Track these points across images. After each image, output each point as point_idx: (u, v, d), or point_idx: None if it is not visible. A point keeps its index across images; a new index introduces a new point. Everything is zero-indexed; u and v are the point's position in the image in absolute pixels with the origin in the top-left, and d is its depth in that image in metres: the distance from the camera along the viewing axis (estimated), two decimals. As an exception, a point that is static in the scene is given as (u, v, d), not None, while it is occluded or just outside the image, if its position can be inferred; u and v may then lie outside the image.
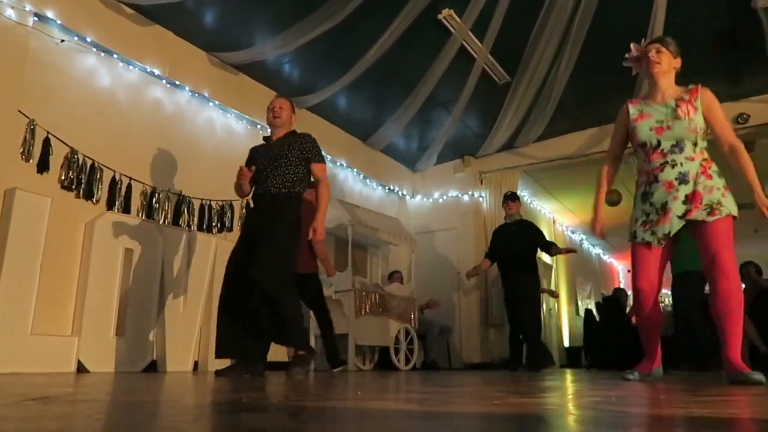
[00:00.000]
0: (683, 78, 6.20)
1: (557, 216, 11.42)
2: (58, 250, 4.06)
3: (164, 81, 5.17)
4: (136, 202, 4.69)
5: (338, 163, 7.30)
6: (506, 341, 6.48)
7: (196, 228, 5.16)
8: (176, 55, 5.31)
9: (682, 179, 2.90)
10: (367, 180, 7.86)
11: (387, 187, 8.28)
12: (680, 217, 2.88)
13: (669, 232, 2.91)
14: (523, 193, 9.45)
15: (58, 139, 4.19)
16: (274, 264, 3.38)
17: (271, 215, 3.50)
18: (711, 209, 2.86)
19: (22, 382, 2.47)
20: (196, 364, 4.84)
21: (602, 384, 2.89)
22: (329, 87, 6.07)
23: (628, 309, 9.85)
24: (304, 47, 5.28)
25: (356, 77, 5.77)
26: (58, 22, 4.36)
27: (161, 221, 4.82)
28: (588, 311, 9.10)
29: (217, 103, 5.65)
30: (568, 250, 6.71)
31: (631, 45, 3.27)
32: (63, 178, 4.20)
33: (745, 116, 6.41)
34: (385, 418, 1.17)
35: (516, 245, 5.90)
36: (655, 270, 3.01)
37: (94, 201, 4.38)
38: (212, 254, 5.06)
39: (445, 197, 8.59)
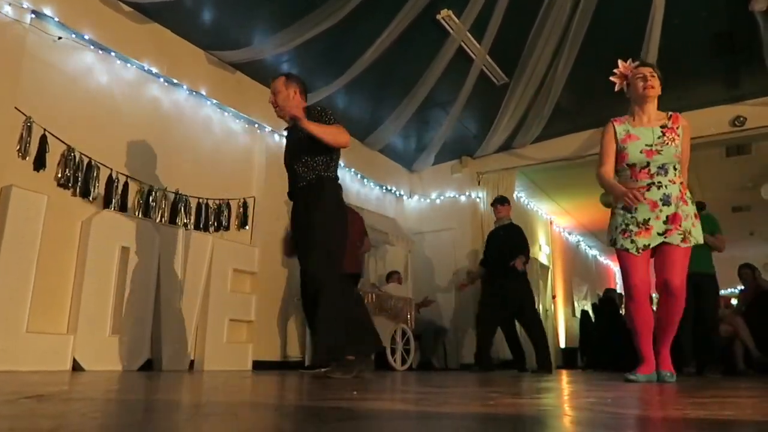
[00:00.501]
0: (680, 80, 6.25)
1: (554, 217, 11.43)
2: (54, 248, 4.05)
3: (162, 79, 5.16)
4: (132, 200, 4.68)
5: (336, 163, 7.29)
6: (500, 342, 6.49)
7: (192, 227, 5.15)
8: (174, 53, 5.30)
9: (666, 201, 3.15)
10: (365, 180, 7.86)
11: (384, 187, 8.28)
12: (660, 234, 3.14)
13: (648, 245, 3.17)
14: (520, 194, 9.46)
15: (54, 136, 4.18)
16: (313, 259, 3.10)
17: (305, 207, 3.25)
18: (684, 236, 3.13)
19: (17, 380, 2.46)
20: (192, 362, 4.84)
21: (598, 385, 2.89)
22: (327, 87, 6.06)
23: (622, 310, 9.88)
24: (302, 46, 5.27)
25: (354, 77, 5.77)
26: (56, 19, 4.34)
27: (158, 220, 4.81)
28: (584, 312, 9.13)
29: (214, 101, 5.64)
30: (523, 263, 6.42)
31: (619, 62, 3.38)
32: (59, 175, 4.19)
33: (741, 119, 6.43)
34: (381, 418, 1.17)
35: (505, 250, 5.87)
36: (644, 270, 3.21)
37: (91, 199, 4.37)
38: (209, 253, 5.05)
39: (442, 198, 8.59)
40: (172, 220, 4.97)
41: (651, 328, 3.25)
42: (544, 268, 10.61)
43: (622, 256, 3.24)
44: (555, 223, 11.65)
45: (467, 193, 8.34)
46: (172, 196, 5.02)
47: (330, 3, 4.77)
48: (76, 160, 4.28)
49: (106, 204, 4.47)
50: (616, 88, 3.42)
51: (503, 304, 5.79)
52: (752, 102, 6.40)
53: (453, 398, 1.72)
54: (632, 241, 3.17)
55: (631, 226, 3.19)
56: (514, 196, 8.50)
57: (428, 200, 8.71)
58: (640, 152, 3.20)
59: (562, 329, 11.20)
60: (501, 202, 6.21)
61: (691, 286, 5.22)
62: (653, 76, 3.25)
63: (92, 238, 4.22)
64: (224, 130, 5.79)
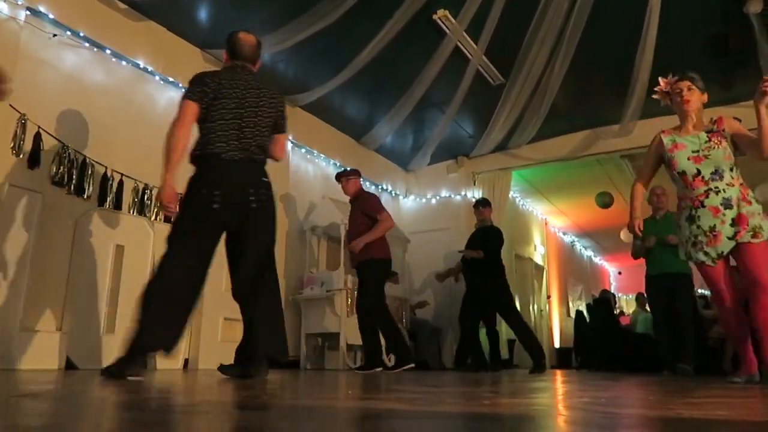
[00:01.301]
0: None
1: (549, 217, 11.47)
2: (48, 246, 4.03)
3: (157, 77, 5.14)
4: (127, 198, 4.66)
5: (331, 162, 7.29)
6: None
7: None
8: (170, 51, 5.28)
9: (727, 204, 3.15)
10: (361, 179, 7.84)
11: (380, 187, 8.28)
12: (730, 239, 3.12)
13: (722, 252, 3.15)
14: (516, 195, 9.48)
15: (49, 134, 4.16)
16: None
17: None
18: (754, 232, 3.10)
19: (9, 378, 2.45)
20: (186, 361, 4.82)
21: (592, 385, 2.90)
22: (323, 86, 6.05)
23: (617, 311, 9.91)
24: (298, 45, 5.26)
25: (350, 76, 5.76)
26: (51, 16, 4.32)
27: (153, 218, 4.79)
28: (579, 313, 9.15)
29: (210, 100, 5.62)
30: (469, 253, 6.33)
31: (660, 79, 3.47)
32: (54, 173, 4.16)
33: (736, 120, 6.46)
34: (376, 417, 1.17)
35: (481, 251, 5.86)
36: (727, 276, 3.21)
37: (85, 197, 4.35)
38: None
39: (438, 197, 8.60)
40: (167, 219, 4.95)
41: (748, 331, 3.27)
42: (539, 269, 10.64)
43: (701, 269, 3.26)
44: (550, 224, 11.68)
45: (463, 193, 8.35)
46: (167, 195, 5.00)
47: (326, 2, 4.77)
48: (71, 157, 4.26)
49: (101, 202, 4.45)
50: (662, 104, 3.50)
51: (481, 304, 5.83)
52: (747, 104, 6.37)
53: (448, 398, 1.72)
54: (705, 253, 3.18)
55: (700, 237, 3.19)
56: (510, 196, 8.53)
57: (424, 200, 8.72)
58: (688, 159, 3.24)
59: (556, 329, 11.23)
60: (483, 204, 6.23)
61: (666, 287, 5.31)
62: (690, 90, 3.31)
63: (86, 236, 4.20)
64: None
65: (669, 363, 5.33)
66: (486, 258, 5.73)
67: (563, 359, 10.39)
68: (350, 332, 5.73)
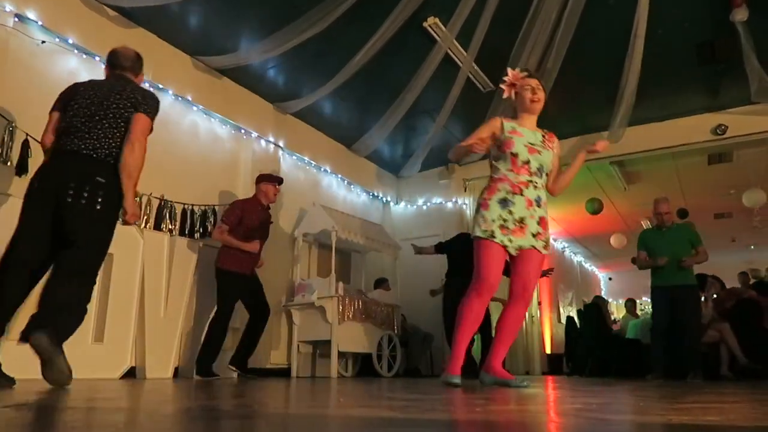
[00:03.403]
0: (663, 89, 6.34)
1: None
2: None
3: (147, 84, 5.11)
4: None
5: (322, 169, 7.29)
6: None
7: (177, 233, 5.11)
8: (160, 58, 5.27)
9: (538, 202, 3.21)
10: (351, 186, 7.86)
11: (371, 194, 8.29)
12: (533, 236, 3.16)
13: (521, 246, 3.15)
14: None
15: (37, 141, 4.11)
16: None
17: None
18: (546, 243, 3.22)
19: (-4, 388, 2.42)
20: (176, 370, 4.78)
21: (583, 391, 2.91)
22: (314, 93, 6.06)
23: (612, 316, 9.94)
24: (289, 52, 5.27)
25: (341, 83, 5.77)
26: (39, 23, 4.30)
27: (142, 225, 4.76)
28: (569, 319, 9.17)
29: (200, 107, 5.62)
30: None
31: (509, 70, 3.42)
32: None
33: (723, 127, 6.53)
34: (367, 425, 1.16)
35: (466, 251, 5.88)
36: (500, 270, 3.18)
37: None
38: (194, 260, 5.01)
39: (429, 204, 8.61)
40: (157, 226, 4.92)
41: (474, 332, 3.32)
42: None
43: (494, 249, 3.10)
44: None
45: (454, 200, 8.37)
46: (156, 202, 4.98)
47: (316, 10, 4.78)
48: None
49: (90, 209, 4.40)
50: (504, 96, 3.44)
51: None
52: (734, 111, 6.50)
53: (439, 405, 1.72)
54: (510, 240, 3.11)
55: (509, 224, 3.12)
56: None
57: (415, 207, 8.73)
58: (524, 146, 3.23)
59: (547, 335, 11.25)
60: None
61: (672, 298, 5.35)
62: (539, 89, 3.32)
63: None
64: (210, 136, 5.76)
65: (657, 369, 5.36)
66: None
67: (554, 365, 10.41)
68: (342, 339, 5.71)
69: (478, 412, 1.48)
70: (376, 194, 8.39)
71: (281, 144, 6.54)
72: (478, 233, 3.16)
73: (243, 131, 6.08)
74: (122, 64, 3.13)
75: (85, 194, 2.73)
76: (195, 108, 5.58)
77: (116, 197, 2.85)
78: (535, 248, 3.16)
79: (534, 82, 3.33)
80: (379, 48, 5.26)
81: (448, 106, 6.31)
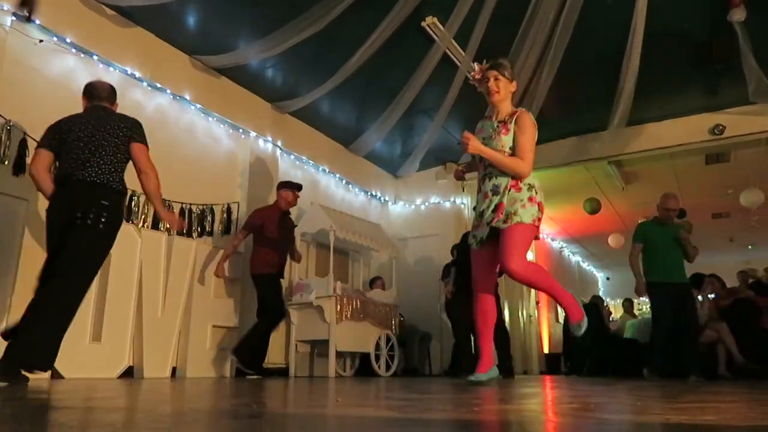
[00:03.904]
0: (661, 89, 6.35)
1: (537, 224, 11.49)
2: (34, 253, 3.97)
3: (145, 83, 5.11)
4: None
5: (320, 168, 7.29)
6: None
7: (175, 232, 5.10)
8: (158, 57, 5.26)
9: (495, 191, 3.22)
10: (350, 185, 7.86)
11: (369, 193, 8.28)
12: (488, 224, 3.21)
13: (483, 237, 3.24)
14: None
15: (34, 140, 4.11)
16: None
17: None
18: (507, 217, 3.16)
19: (-7, 388, 2.41)
20: (174, 369, 4.78)
21: (581, 390, 2.91)
22: (312, 92, 6.06)
23: (610, 315, 9.95)
24: (287, 52, 5.26)
25: (339, 83, 5.77)
26: (37, 22, 4.29)
27: (140, 224, 4.75)
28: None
29: (198, 106, 5.61)
30: None
31: (475, 65, 3.51)
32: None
33: (720, 127, 6.54)
34: (365, 425, 1.16)
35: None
36: (484, 264, 3.32)
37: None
38: (192, 259, 5.01)
39: (427, 204, 8.61)
40: (155, 225, 4.92)
41: (490, 326, 3.40)
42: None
43: (471, 252, 3.37)
44: (538, 229, 11.70)
45: (452, 200, 8.37)
46: (154, 201, 4.97)
47: (314, 9, 4.77)
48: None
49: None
50: (478, 90, 3.52)
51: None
52: (731, 111, 6.52)
53: (437, 405, 1.72)
54: (474, 236, 3.30)
55: (475, 221, 3.31)
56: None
57: (413, 206, 8.73)
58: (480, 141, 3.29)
59: (545, 335, 11.26)
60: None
61: (671, 296, 5.34)
62: (497, 80, 3.34)
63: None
64: (208, 135, 5.76)
65: (658, 367, 5.35)
66: None
67: (552, 365, 10.42)
68: (340, 339, 5.71)
69: (475, 411, 1.49)
70: (374, 194, 8.39)
71: (279, 143, 6.53)
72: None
73: (241, 130, 6.08)
74: (100, 95, 3.45)
75: (91, 215, 3.05)
76: (193, 107, 5.57)
77: (118, 216, 3.24)
78: (496, 228, 3.18)
79: (492, 73, 3.36)
80: (378, 47, 5.25)
81: (446, 105, 6.31)
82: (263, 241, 5.19)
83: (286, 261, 5.40)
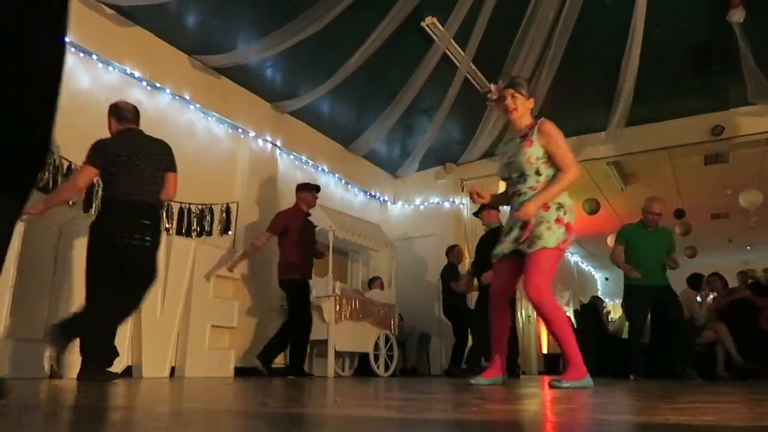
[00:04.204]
0: (660, 90, 6.35)
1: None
2: (32, 253, 3.98)
3: (144, 83, 5.11)
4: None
5: (319, 168, 7.28)
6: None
7: (174, 232, 5.10)
8: (157, 57, 5.25)
9: (517, 209, 3.23)
10: (349, 185, 7.85)
11: (368, 193, 8.28)
12: (514, 241, 3.24)
13: (500, 252, 3.30)
14: (504, 201, 9.51)
15: (34, 139, 4.11)
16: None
17: None
18: (531, 242, 3.15)
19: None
20: (173, 369, 4.78)
21: (580, 391, 2.91)
22: (312, 92, 6.06)
23: (609, 316, 9.94)
24: (287, 52, 5.26)
25: (339, 83, 5.77)
26: (36, 21, 4.28)
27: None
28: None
29: (198, 106, 5.60)
30: None
31: (492, 86, 3.50)
32: (39, 179, 4.12)
33: (719, 128, 6.54)
34: (364, 425, 1.16)
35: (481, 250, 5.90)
36: (503, 276, 3.37)
37: (71, 203, 4.30)
38: (191, 258, 5.00)
39: (426, 204, 8.61)
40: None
41: (503, 333, 3.45)
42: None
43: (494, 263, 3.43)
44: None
45: (451, 200, 8.37)
46: (153, 201, 4.96)
47: (314, 9, 4.77)
48: (56, 163, 4.22)
49: (86, 208, 4.40)
50: (497, 110, 3.65)
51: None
52: (730, 111, 6.52)
53: (436, 405, 1.72)
54: (498, 250, 3.34)
55: (502, 236, 3.36)
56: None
57: (412, 206, 8.73)
58: (504, 166, 3.37)
59: (544, 335, 11.26)
60: (485, 207, 6.23)
61: (653, 298, 5.36)
62: (513, 98, 3.36)
63: (72, 243, 4.15)
64: (207, 135, 5.75)
65: (639, 370, 5.38)
66: None
67: (551, 365, 10.42)
68: (339, 339, 5.71)
69: (474, 411, 1.48)
70: (373, 194, 8.39)
71: (279, 143, 6.53)
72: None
73: (240, 130, 6.07)
74: (129, 117, 3.71)
75: (147, 238, 3.47)
76: (192, 107, 5.57)
77: (161, 231, 3.70)
78: (519, 251, 3.22)
79: (509, 91, 3.38)
80: (377, 47, 5.26)
81: (446, 105, 6.31)
82: (288, 244, 5.26)
83: (312, 263, 5.47)
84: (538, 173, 3.21)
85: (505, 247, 3.29)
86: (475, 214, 6.25)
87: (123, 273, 3.42)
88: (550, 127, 3.26)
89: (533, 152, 3.21)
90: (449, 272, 6.76)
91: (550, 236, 3.12)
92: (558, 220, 3.14)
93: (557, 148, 3.21)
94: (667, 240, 5.60)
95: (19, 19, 0.87)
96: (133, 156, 3.51)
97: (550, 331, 3.21)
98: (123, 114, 3.70)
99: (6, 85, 0.87)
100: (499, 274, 3.38)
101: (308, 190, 5.56)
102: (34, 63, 0.90)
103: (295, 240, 5.28)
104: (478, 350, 5.67)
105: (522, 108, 3.36)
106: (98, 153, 3.48)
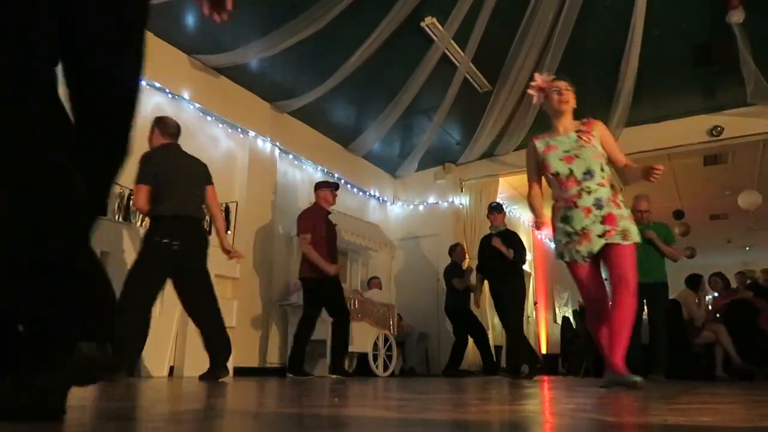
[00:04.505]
0: (659, 90, 6.35)
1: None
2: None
3: (143, 82, 5.10)
4: (112, 204, 4.61)
5: (319, 168, 7.28)
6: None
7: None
8: (156, 56, 5.24)
9: (598, 204, 3.17)
10: (348, 185, 7.85)
11: (368, 193, 8.28)
12: (600, 236, 3.14)
13: (592, 251, 3.16)
14: (503, 201, 9.52)
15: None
16: None
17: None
18: (624, 234, 3.13)
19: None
20: (171, 369, 4.77)
21: (579, 391, 2.91)
22: (311, 92, 6.05)
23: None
24: (286, 51, 5.26)
25: (338, 83, 5.77)
26: (36, 20, 4.28)
27: (139, 224, 4.75)
28: (565, 319, 9.18)
29: (197, 105, 5.60)
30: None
31: (536, 75, 3.44)
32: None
33: (719, 129, 6.55)
34: (362, 425, 1.16)
35: (500, 255, 5.92)
36: (594, 281, 3.26)
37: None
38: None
39: (425, 204, 8.61)
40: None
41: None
42: (526, 275, 10.67)
43: (572, 268, 3.29)
44: (537, 231, 11.72)
45: (450, 200, 8.38)
46: (153, 201, 4.96)
47: (314, 9, 4.78)
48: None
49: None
50: (534, 101, 3.47)
51: (501, 307, 5.90)
52: (730, 112, 6.52)
53: (435, 405, 1.72)
54: (577, 251, 3.19)
55: (573, 236, 3.20)
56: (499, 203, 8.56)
57: (411, 206, 8.73)
58: (560, 160, 3.24)
59: (543, 335, 11.27)
60: (497, 210, 6.23)
61: (641, 296, 5.34)
62: (568, 90, 3.33)
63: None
64: (207, 135, 5.75)
65: (638, 369, 5.36)
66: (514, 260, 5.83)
67: (550, 365, 10.42)
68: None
69: (473, 412, 1.49)
70: (372, 194, 8.39)
71: (278, 143, 6.53)
72: (558, 258, 3.39)
73: (240, 130, 6.07)
74: (173, 133, 3.89)
75: (196, 250, 3.72)
76: (192, 106, 5.56)
77: (207, 242, 3.87)
78: (611, 243, 3.12)
79: (562, 84, 3.34)
80: (377, 47, 5.26)
81: (445, 106, 6.32)
82: (315, 244, 5.18)
83: (336, 261, 5.38)
84: (602, 169, 3.22)
85: (589, 245, 3.14)
86: (497, 210, 6.20)
87: (179, 286, 3.71)
88: (603, 125, 3.36)
89: (597, 147, 3.23)
90: (451, 271, 6.77)
91: (636, 231, 3.16)
92: (630, 217, 3.22)
93: (613, 143, 3.33)
94: (663, 233, 5.57)
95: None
96: (177, 171, 3.71)
97: (624, 325, 3.10)
98: (169, 129, 3.87)
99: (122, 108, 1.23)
100: (591, 275, 3.23)
101: (327, 188, 5.47)
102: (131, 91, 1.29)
103: (321, 238, 5.20)
104: (518, 357, 5.70)
105: (573, 102, 3.34)
106: (145, 168, 3.64)
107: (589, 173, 3.18)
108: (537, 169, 3.42)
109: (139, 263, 3.58)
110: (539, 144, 3.37)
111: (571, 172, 3.20)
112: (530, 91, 3.44)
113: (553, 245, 3.55)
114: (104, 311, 1.12)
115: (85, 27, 1.14)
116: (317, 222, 5.25)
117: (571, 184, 3.21)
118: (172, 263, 3.59)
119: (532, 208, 3.49)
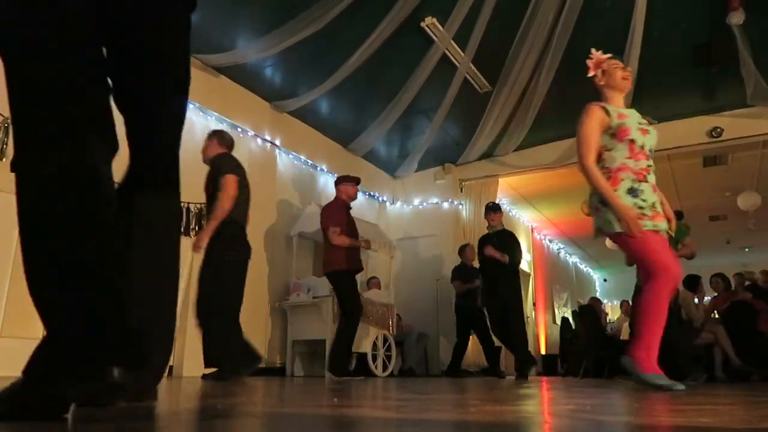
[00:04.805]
0: (659, 91, 6.34)
1: (535, 224, 11.52)
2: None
3: (144, 82, 5.10)
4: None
5: (318, 168, 7.28)
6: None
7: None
8: (156, 55, 5.24)
9: (656, 187, 3.05)
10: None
11: (367, 193, 8.28)
12: (666, 220, 3.01)
13: (666, 230, 2.98)
14: (502, 202, 9.52)
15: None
16: None
17: None
18: (670, 224, 3.04)
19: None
20: (171, 368, 4.77)
21: (578, 392, 2.91)
22: (311, 92, 6.06)
23: (607, 317, 9.93)
24: (286, 51, 5.26)
25: (338, 83, 5.77)
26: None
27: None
28: (564, 319, 9.19)
29: (197, 105, 5.60)
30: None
31: (594, 51, 3.30)
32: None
33: (718, 130, 6.55)
34: (361, 425, 1.16)
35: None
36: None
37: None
38: (190, 257, 4.99)
39: (425, 204, 8.61)
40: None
41: None
42: (526, 276, 10.68)
43: (653, 238, 2.88)
44: (536, 231, 11.74)
45: (450, 200, 8.38)
46: (152, 200, 4.97)
47: (314, 9, 4.78)
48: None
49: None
50: (590, 73, 3.30)
51: (500, 306, 5.91)
52: (729, 113, 6.53)
53: (434, 405, 1.71)
54: (655, 225, 2.89)
55: (646, 211, 2.89)
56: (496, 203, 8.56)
57: (411, 206, 8.73)
58: (637, 129, 3.00)
59: (542, 336, 11.27)
60: (494, 209, 6.25)
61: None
62: (625, 69, 3.25)
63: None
64: (207, 134, 5.74)
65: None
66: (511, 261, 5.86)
67: (549, 366, 10.43)
68: (337, 339, 5.69)
69: (472, 412, 1.48)
70: (372, 194, 8.39)
71: (278, 143, 6.53)
72: (619, 228, 2.89)
73: (239, 129, 6.07)
74: (230, 145, 4.31)
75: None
76: (191, 106, 5.56)
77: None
78: (666, 231, 2.99)
79: (620, 62, 3.26)
80: (377, 47, 5.26)
81: (445, 106, 6.32)
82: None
83: (359, 254, 5.31)
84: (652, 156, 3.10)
85: (665, 223, 2.97)
86: (493, 210, 6.20)
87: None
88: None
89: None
90: (458, 271, 6.79)
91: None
92: None
93: None
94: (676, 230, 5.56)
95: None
96: (245, 179, 4.07)
97: (650, 314, 2.84)
98: (227, 142, 4.27)
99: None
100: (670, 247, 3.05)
101: (349, 182, 5.40)
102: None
103: (343, 231, 5.17)
104: (524, 357, 5.75)
105: (631, 83, 3.28)
106: (239, 172, 4.00)
107: (651, 152, 3.05)
108: (599, 135, 3.11)
109: (224, 278, 3.98)
110: (612, 110, 3.08)
111: (644, 144, 3.01)
112: (589, 62, 3.31)
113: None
114: (140, 339, 1.17)
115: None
116: (342, 215, 5.23)
117: (642, 156, 3.00)
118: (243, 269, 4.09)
119: (598, 179, 3.00)
